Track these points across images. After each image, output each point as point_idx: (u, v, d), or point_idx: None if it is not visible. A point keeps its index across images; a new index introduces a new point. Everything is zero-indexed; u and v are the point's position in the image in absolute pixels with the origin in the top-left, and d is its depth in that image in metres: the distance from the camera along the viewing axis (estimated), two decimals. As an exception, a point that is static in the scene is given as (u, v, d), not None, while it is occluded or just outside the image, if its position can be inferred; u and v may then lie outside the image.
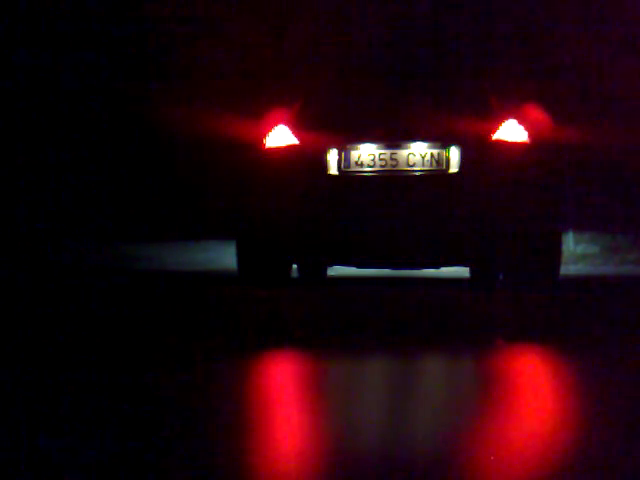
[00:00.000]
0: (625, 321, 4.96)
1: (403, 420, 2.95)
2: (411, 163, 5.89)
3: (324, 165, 5.94)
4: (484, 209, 5.91)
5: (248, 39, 11.36)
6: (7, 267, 9.53)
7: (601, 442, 2.62)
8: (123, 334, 4.95)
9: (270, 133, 6.10)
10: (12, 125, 11.03)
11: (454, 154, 5.89)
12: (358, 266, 6.76)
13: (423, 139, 5.92)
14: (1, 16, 10.94)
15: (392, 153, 5.91)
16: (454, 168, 5.89)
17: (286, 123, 6.11)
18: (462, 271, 8.18)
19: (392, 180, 5.91)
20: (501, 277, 6.71)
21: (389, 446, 2.61)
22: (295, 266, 7.22)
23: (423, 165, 5.89)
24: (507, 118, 6.03)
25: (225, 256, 10.27)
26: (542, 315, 5.05)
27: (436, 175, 5.88)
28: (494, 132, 5.99)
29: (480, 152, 5.93)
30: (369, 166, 5.91)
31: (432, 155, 5.89)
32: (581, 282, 7.76)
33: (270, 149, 6.09)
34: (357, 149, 5.93)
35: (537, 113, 6.25)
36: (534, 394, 3.46)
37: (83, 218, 11.05)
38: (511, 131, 6.01)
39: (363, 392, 3.47)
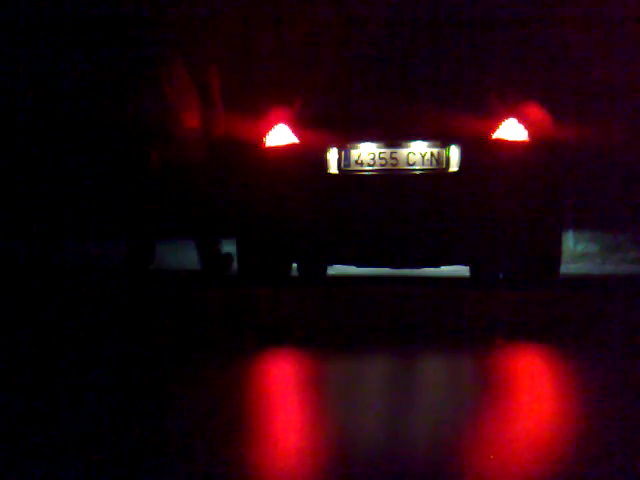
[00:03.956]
0: (625, 321, 4.96)
1: (403, 419, 2.95)
2: (411, 162, 5.89)
3: (324, 164, 5.94)
4: (484, 208, 5.90)
5: (249, 37, 11.37)
6: (7, 267, 9.54)
7: (600, 441, 2.61)
8: (122, 333, 4.95)
9: (270, 132, 6.10)
10: (11, 123, 11.04)
11: (454, 153, 5.88)
12: (358, 265, 6.75)
13: (423, 138, 5.91)
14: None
15: (392, 152, 5.90)
16: (454, 167, 5.88)
17: (286, 122, 6.10)
18: (462, 270, 8.17)
19: (392, 179, 5.90)
20: (501, 276, 6.71)
21: (389, 445, 2.61)
22: (295, 265, 7.21)
23: (423, 164, 5.89)
24: (507, 117, 6.02)
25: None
26: (542, 315, 5.04)
27: (436, 174, 5.88)
28: (494, 131, 5.99)
29: (480, 151, 5.93)
30: (369, 165, 5.91)
31: (432, 154, 5.88)
32: (581, 281, 7.76)
33: (270, 148, 6.08)
34: (357, 148, 5.92)
35: (537, 112, 6.24)
36: (534, 394, 3.46)
37: (82, 217, 11.05)
38: (511, 130, 6.00)
39: (363, 392, 3.46)
